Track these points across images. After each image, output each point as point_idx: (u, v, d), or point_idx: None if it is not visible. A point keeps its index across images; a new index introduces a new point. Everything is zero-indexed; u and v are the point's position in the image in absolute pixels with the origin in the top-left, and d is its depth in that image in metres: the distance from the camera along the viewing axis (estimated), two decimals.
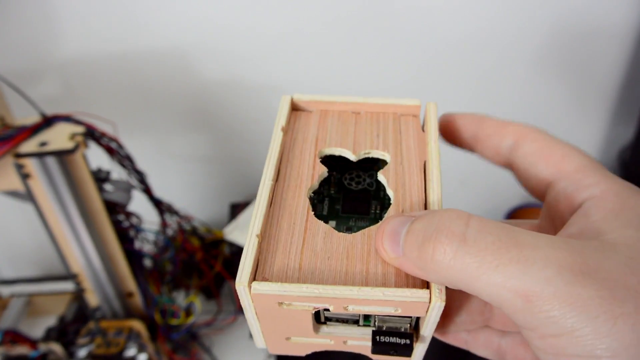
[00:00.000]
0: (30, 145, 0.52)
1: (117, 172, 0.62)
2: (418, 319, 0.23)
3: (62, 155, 0.52)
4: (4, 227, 0.88)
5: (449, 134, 0.28)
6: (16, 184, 0.54)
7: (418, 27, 0.70)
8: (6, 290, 0.82)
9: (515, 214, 0.88)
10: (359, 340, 0.24)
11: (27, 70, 0.71)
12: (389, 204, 0.25)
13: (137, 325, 0.61)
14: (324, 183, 0.27)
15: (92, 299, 0.62)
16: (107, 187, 0.61)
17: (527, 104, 0.80)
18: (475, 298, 0.25)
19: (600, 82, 0.79)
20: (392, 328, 0.23)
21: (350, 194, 0.27)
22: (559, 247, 0.18)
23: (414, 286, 0.21)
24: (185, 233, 0.71)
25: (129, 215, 0.62)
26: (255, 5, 0.66)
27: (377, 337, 0.22)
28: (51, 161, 0.53)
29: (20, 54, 0.70)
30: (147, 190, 0.64)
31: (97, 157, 0.60)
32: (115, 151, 0.60)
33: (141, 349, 0.61)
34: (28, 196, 0.55)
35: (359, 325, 0.24)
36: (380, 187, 0.27)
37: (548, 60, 0.75)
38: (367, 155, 0.27)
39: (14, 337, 0.59)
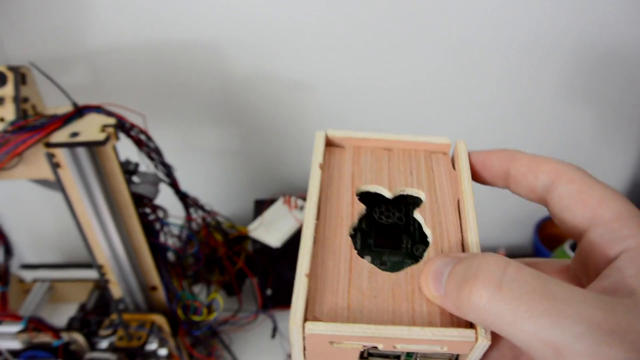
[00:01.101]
0: (61, 135, 0.52)
1: (145, 164, 0.61)
2: (458, 354, 0.23)
3: (92, 147, 0.52)
4: (28, 211, 0.89)
5: (480, 172, 0.28)
6: (46, 173, 0.54)
7: (440, 49, 0.69)
8: (29, 275, 0.83)
9: (545, 223, 0.86)
10: None
11: (58, 59, 0.71)
12: (420, 238, 0.26)
13: (159, 319, 0.61)
14: None
15: (116, 290, 0.62)
16: (135, 179, 0.61)
17: (555, 132, 0.78)
18: None
19: (629, 108, 0.77)
20: None
21: (381, 228, 0.27)
22: (591, 304, 0.18)
23: (459, 325, 0.21)
24: (209, 228, 0.71)
25: (155, 208, 0.62)
26: (290, 0, 0.65)
27: None
28: (82, 152, 0.52)
29: (51, 42, 0.70)
30: (174, 184, 0.64)
31: (124, 148, 0.59)
32: (144, 143, 0.59)
33: (162, 343, 0.60)
34: (58, 186, 0.54)
35: None
36: (409, 221, 0.27)
37: (575, 88, 0.73)
38: (402, 193, 0.27)
39: (38, 324, 0.60)
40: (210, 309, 0.65)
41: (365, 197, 0.27)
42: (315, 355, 0.23)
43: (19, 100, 0.53)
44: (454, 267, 0.21)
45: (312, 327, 0.21)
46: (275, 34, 0.69)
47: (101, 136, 0.51)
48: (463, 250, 0.24)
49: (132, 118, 0.58)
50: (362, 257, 0.25)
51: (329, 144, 0.29)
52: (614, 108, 0.76)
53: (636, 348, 0.17)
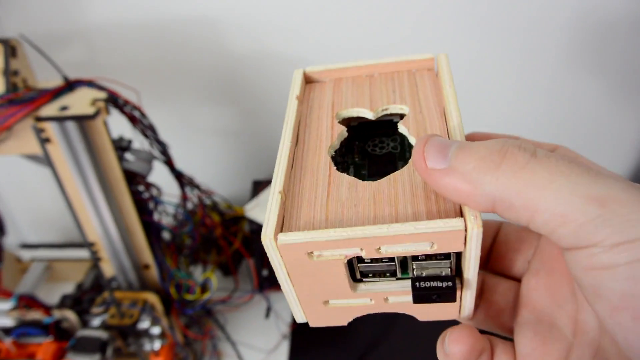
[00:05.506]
0: (50, 109, 0.51)
1: (139, 142, 0.60)
2: (459, 262, 0.22)
3: (82, 121, 0.51)
4: (29, 191, 0.88)
5: None
6: (35, 148, 0.53)
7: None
8: (27, 254, 0.83)
9: None
10: (400, 294, 0.23)
11: (53, 35, 0.70)
12: None
13: (152, 298, 0.60)
14: (347, 152, 0.27)
15: (108, 268, 0.62)
16: (128, 156, 0.60)
17: (562, 98, 0.75)
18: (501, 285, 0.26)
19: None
20: (432, 274, 0.22)
21: (375, 158, 0.27)
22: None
23: (447, 217, 0.20)
24: (205, 208, 0.70)
25: (148, 186, 0.61)
26: None
27: (417, 284, 0.21)
28: (71, 126, 0.51)
29: (46, 17, 0.69)
30: (169, 162, 0.63)
31: (119, 125, 0.58)
32: (137, 120, 0.58)
33: (155, 322, 0.60)
34: (46, 161, 0.54)
35: (397, 279, 0.23)
36: (405, 148, 0.27)
37: (582, 50, 0.71)
38: (385, 112, 0.27)
39: (29, 302, 0.59)
40: (204, 287, 0.65)
41: (352, 129, 0.27)
42: (299, 275, 0.22)
43: (9, 73, 0.52)
44: (467, 145, 0.20)
45: (284, 237, 0.20)
46: (273, 10, 0.67)
47: (91, 110, 0.50)
48: None
49: (126, 94, 0.57)
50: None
51: (310, 81, 0.29)
52: (621, 76, 0.74)
53: None
